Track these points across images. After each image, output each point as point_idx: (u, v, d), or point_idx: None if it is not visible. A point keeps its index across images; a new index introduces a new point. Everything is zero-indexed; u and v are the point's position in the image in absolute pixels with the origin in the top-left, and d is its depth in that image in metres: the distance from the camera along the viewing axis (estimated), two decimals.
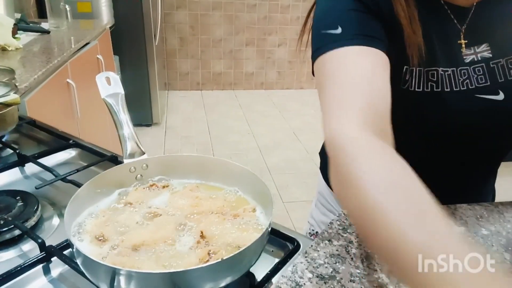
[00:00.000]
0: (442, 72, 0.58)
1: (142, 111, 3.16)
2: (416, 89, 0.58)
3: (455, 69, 0.59)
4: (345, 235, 0.53)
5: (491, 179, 0.75)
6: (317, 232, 0.84)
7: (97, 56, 2.03)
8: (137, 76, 3.05)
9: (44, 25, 1.94)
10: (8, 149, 0.84)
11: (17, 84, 0.90)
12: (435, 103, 0.59)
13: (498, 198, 0.75)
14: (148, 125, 3.26)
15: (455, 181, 0.69)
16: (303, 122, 3.51)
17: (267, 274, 0.53)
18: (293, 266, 0.47)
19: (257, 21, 4.05)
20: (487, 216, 0.58)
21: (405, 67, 0.58)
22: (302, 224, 0.93)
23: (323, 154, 0.82)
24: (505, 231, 0.55)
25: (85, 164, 0.81)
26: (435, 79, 0.58)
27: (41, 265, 0.55)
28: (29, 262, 0.53)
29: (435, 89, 0.58)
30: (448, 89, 0.58)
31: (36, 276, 0.54)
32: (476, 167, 0.69)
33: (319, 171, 0.83)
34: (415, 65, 0.57)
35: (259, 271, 0.54)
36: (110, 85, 0.68)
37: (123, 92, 0.68)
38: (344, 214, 0.57)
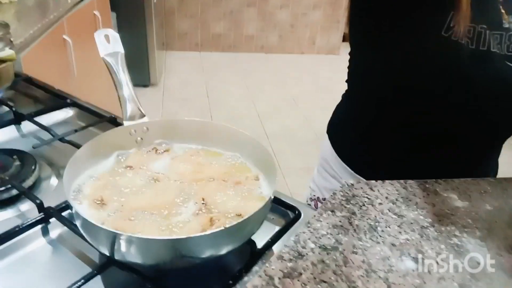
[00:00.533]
0: (482, 30, 0.56)
1: (139, 71, 3.10)
2: (459, 41, 0.57)
3: (495, 31, 0.57)
4: (348, 206, 0.52)
5: (496, 154, 0.74)
6: (318, 197, 0.84)
7: (94, 12, 1.96)
8: (135, 34, 2.97)
9: None
10: (4, 107, 0.81)
11: (12, 39, 0.86)
12: (474, 60, 0.58)
13: (501, 173, 0.75)
14: (145, 86, 3.21)
15: (462, 154, 0.68)
16: (302, 89, 3.47)
17: (268, 241, 0.52)
18: (296, 236, 0.47)
19: None
20: (491, 191, 0.57)
21: (452, 12, 0.56)
22: (298, 190, 0.93)
23: (334, 117, 0.81)
24: (508, 207, 0.54)
25: (83, 124, 0.79)
26: (471, 35, 0.56)
27: (39, 226, 0.54)
28: (28, 223, 0.52)
29: (480, 47, 0.57)
30: (485, 48, 0.57)
31: (34, 237, 0.53)
32: (485, 140, 0.68)
33: (316, 138, 0.82)
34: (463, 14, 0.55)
35: (260, 238, 0.54)
36: (109, 43, 0.65)
37: (123, 51, 0.66)
38: (347, 184, 0.57)
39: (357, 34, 0.68)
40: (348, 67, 0.74)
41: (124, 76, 0.63)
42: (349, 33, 0.69)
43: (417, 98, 0.64)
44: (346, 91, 0.78)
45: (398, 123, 0.68)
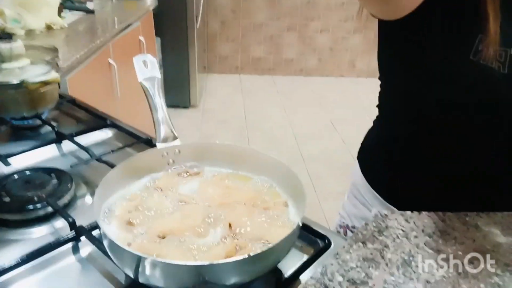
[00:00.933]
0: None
1: (180, 93, 3.19)
2: (489, 65, 0.54)
3: None
4: (380, 238, 0.50)
5: None
6: (347, 224, 0.81)
7: (139, 37, 2.05)
8: (178, 58, 3.07)
9: (89, 5, 1.98)
10: (47, 126, 0.85)
11: (59, 63, 0.91)
12: (507, 84, 0.55)
13: None
14: (186, 107, 3.29)
15: (501, 186, 0.64)
16: (341, 112, 3.43)
17: (295, 271, 0.51)
18: (323, 267, 0.45)
19: (300, 6, 3.96)
20: None
21: (480, 35, 0.54)
22: (334, 215, 0.90)
23: (364, 143, 0.79)
24: None
25: (120, 145, 0.82)
26: (502, 60, 0.53)
27: (70, 244, 0.55)
28: (59, 241, 0.54)
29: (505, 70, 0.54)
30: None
31: (65, 254, 0.54)
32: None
33: (355, 161, 0.80)
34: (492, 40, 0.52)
35: (287, 267, 0.52)
36: (147, 68, 0.67)
37: (159, 76, 0.67)
38: (381, 215, 0.54)
39: (385, 59, 0.67)
40: (379, 92, 0.72)
41: (159, 100, 0.65)
42: (378, 58, 0.68)
43: (446, 125, 0.61)
44: (377, 116, 0.76)
45: (429, 152, 0.65)
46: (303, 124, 3.21)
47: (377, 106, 0.74)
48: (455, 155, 0.63)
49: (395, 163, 0.70)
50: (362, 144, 0.80)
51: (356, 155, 0.81)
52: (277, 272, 0.50)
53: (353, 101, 3.62)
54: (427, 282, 0.43)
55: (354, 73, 4.27)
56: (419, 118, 0.64)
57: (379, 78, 0.71)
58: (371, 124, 0.79)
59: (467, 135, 0.61)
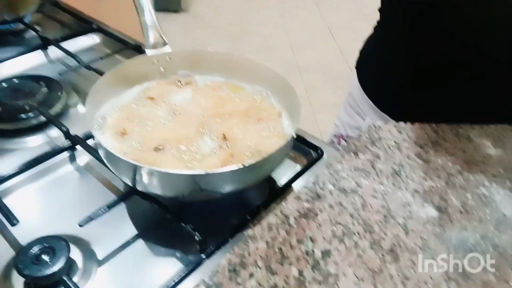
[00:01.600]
0: None
1: None
2: None
3: None
4: (372, 148, 0.50)
5: None
6: (341, 134, 0.82)
7: None
8: None
9: None
10: (31, 31, 0.81)
11: None
12: None
13: None
14: (176, 11, 3.12)
15: (492, 91, 0.63)
16: (341, 19, 3.28)
17: (288, 180, 0.52)
18: (315, 176, 0.46)
19: None
20: None
21: None
22: (328, 126, 0.91)
23: (363, 50, 0.76)
24: None
25: (108, 51, 0.79)
26: None
27: (67, 153, 0.56)
28: (55, 150, 0.54)
29: None
30: None
31: (62, 163, 0.55)
32: None
33: (352, 71, 0.78)
34: None
35: (280, 176, 0.54)
36: None
37: None
38: (374, 126, 0.54)
39: None
40: None
41: (145, 1, 0.60)
42: None
43: (452, 35, 0.58)
44: (378, 21, 0.72)
45: (425, 55, 0.63)
46: (300, 30, 3.09)
47: (379, 9, 0.70)
48: (459, 60, 0.60)
49: (391, 70, 0.69)
50: (360, 51, 0.77)
51: (353, 65, 0.79)
52: (271, 181, 0.52)
53: (353, 7, 3.44)
54: (416, 191, 0.45)
55: None
56: (423, 22, 0.61)
57: None
58: (371, 32, 0.75)
59: (476, 35, 0.58)
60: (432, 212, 0.42)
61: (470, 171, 0.48)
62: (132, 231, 0.47)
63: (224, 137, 0.50)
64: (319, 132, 2.03)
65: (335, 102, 2.34)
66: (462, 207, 0.43)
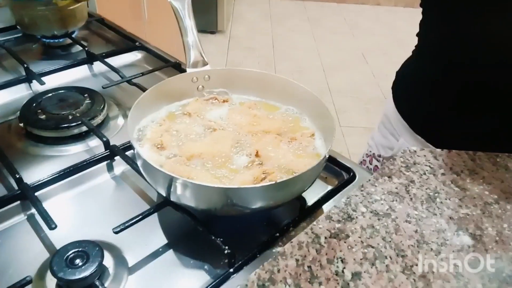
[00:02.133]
0: None
1: (207, 17, 3.09)
2: None
3: None
4: (407, 173, 0.50)
5: None
6: (374, 153, 0.82)
7: None
8: None
9: None
10: (78, 46, 0.85)
11: None
12: None
13: None
14: (212, 33, 3.21)
15: None
16: (373, 43, 3.28)
17: (318, 200, 0.52)
18: (347, 198, 0.46)
19: None
20: None
21: None
22: (357, 150, 0.90)
23: (400, 73, 0.76)
24: None
25: (150, 68, 0.82)
26: None
27: (105, 162, 0.58)
28: (94, 159, 0.56)
29: None
30: None
31: (100, 172, 0.57)
32: None
33: (383, 97, 0.78)
34: None
35: (310, 196, 0.54)
36: None
37: None
38: (410, 150, 0.54)
39: None
40: (420, 20, 0.68)
41: (189, 22, 0.63)
42: None
43: (488, 62, 0.58)
44: (416, 46, 0.72)
45: (465, 85, 0.62)
46: (332, 54, 3.10)
47: (417, 34, 0.70)
48: (497, 89, 0.59)
49: (428, 94, 0.68)
50: (397, 73, 0.77)
51: (385, 89, 0.78)
52: (301, 200, 0.52)
53: (388, 32, 3.44)
54: (450, 218, 0.44)
55: (391, 2, 4.02)
56: (461, 50, 0.61)
57: (420, 5, 0.66)
58: (404, 57, 0.75)
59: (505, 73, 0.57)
60: (467, 240, 0.41)
61: (508, 201, 0.46)
62: (162, 241, 0.48)
63: (257, 154, 0.51)
64: (348, 155, 2.02)
65: (365, 125, 2.32)
66: (498, 236, 0.42)
